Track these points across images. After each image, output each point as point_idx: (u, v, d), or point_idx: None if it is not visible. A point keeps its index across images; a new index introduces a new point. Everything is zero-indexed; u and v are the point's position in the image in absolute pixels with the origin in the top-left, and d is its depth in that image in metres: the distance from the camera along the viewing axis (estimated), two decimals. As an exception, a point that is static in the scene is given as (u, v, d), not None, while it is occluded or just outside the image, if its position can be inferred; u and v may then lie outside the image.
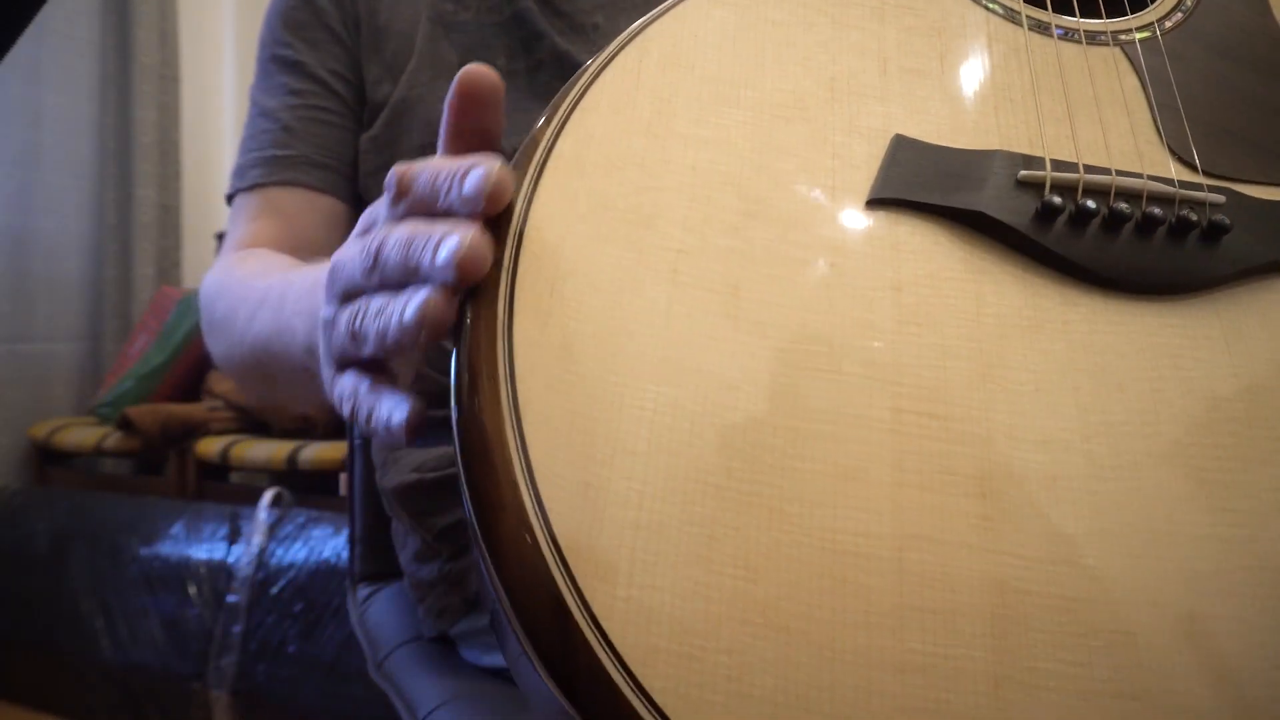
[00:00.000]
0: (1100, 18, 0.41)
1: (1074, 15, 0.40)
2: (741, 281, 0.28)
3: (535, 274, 0.28)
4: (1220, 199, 0.33)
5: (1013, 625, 0.24)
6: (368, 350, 0.30)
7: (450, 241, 0.27)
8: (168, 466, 1.99)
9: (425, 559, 0.60)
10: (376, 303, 0.29)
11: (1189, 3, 0.43)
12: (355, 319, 0.30)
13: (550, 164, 0.30)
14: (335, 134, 0.61)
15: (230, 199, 0.62)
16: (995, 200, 0.31)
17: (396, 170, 0.31)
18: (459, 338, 0.27)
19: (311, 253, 0.58)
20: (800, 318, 0.28)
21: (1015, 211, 0.31)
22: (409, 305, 0.27)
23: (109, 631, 1.50)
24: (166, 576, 1.49)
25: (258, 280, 0.49)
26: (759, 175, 0.31)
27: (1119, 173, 0.33)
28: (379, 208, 0.32)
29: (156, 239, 2.45)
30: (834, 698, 0.22)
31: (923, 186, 0.32)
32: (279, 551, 1.45)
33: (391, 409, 0.29)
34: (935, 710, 0.22)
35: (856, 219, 0.31)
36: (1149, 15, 0.41)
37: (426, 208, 0.30)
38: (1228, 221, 0.31)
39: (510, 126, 0.58)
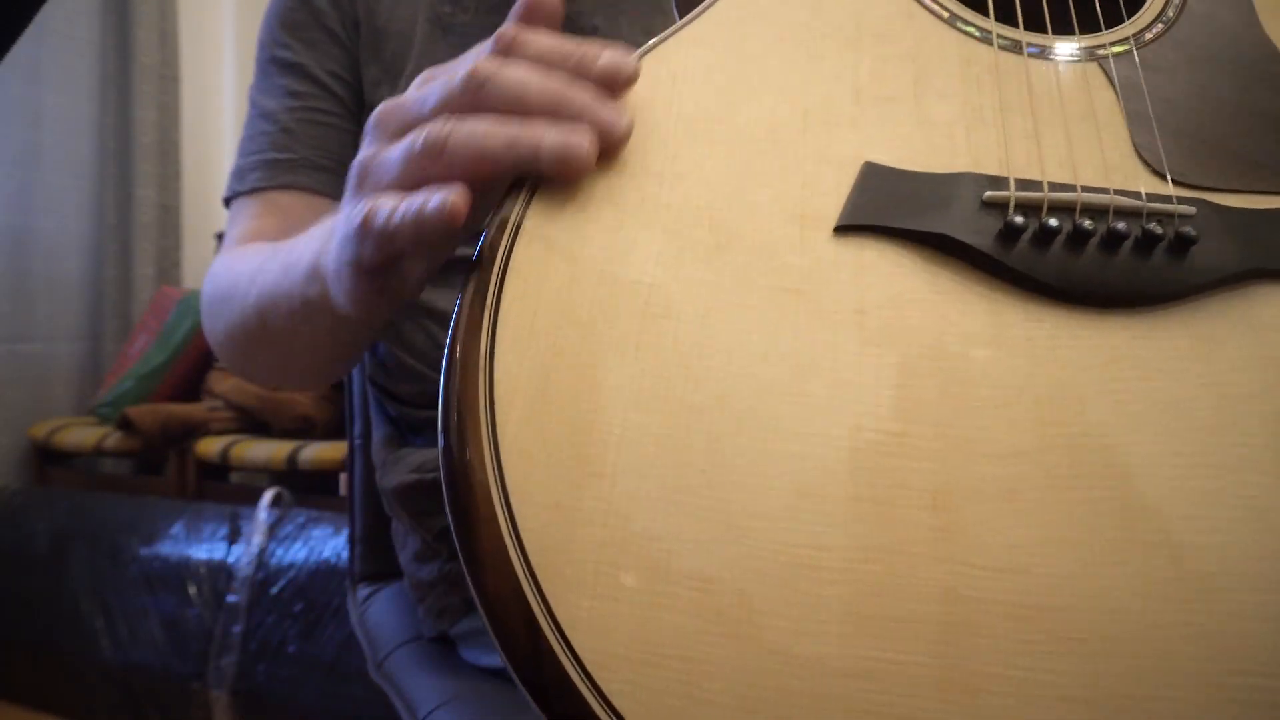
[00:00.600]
0: (1084, 31, 0.41)
1: (1048, 33, 0.40)
2: (709, 310, 0.30)
3: (518, 310, 0.30)
4: (1191, 210, 0.33)
5: (961, 631, 0.24)
6: (440, 165, 0.31)
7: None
8: (168, 466, 1.99)
9: (425, 559, 0.60)
10: (472, 124, 0.32)
11: (1171, 13, 0.43)
12: (429, 136, 0.32)
13: (534, 204, 0.32)
14: (335, 136, 0.60)
15: (228, 202, 0.62)
16: (959, 222, 0.32)
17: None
18: (447, 368, 0.29)
19: None
20: (765, 343, 0.29)
21: (979, 232, 0.32)
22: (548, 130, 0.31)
23: (109, 631, 1.50)
24: (166, 576, 1.49)
25: (265, 249, 0.50)
26: (730, 207, 0.33)
27: (1085, 189, 0.33)
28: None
29: (156, 239, 2.45)
30: (784, 701, 0.23)
31: (889, 211, 0.32)
32: (279, 551, 1.45)
33: (433, 195, 0.30)
34: (882, 713, 0.23)
35: (824, 245, 0.32)
36: (1127, 29, 0.42)
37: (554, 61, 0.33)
38: (1194, 233, 0.31)
39: None
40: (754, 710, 0.23)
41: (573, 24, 0.60)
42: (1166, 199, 0.33)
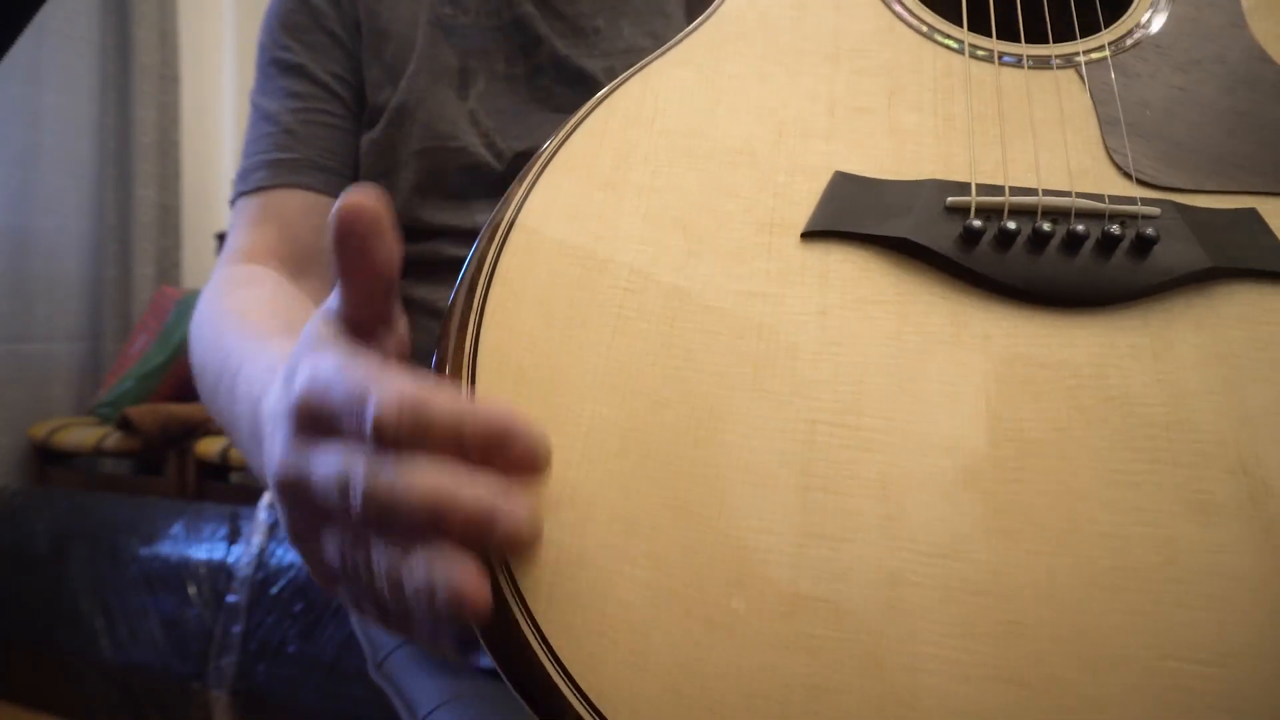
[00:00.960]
0: (1064, 39, 0.42)
1: (1024, 43, 0.42)
2: (678, 314, 0.32)
3: (500, 313, 0.32)
4: (1155, 211, 0.34)
5: (902, 613, 0.26)
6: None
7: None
8: (168, 466, 2.00)
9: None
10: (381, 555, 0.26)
11: (1154, 19, 0.43)
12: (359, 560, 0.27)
13: (520, 218, 0.34)
14: (337, 136, 0.61)
15: (234, 202, 0.62)
16: (922, 226, 0.33)
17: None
18: (435, 366, 0.31)
19: (309, 259, 0.59)
20: (730, 343, 0.31)
21: (941, 236, 0.33)
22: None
23: (109, 631, 1.50)
24: (166, 576, 1.49)
25: (229, 336, 0.48)
26: (705, 217, 0.34)
27: (1047, 192, 0.34)
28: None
29: (156, 239, 2.45)
30: (728, 673, 0.25)
31: (855, 217, 0.34)
32: (279, 551, 1.45)
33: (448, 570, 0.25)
34: (821, 686, 0.25)
35: (792, 251, 0.33)
36: (1107, 36, 0.42)
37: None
38: (1155, 234, 0.32)
39: (511, 130, 0.59)
40: (705, 683, 0.25)
41: (574, 26, 0.60)
42: (1131, 201, 0.34)
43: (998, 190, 0.34)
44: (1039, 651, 0.25)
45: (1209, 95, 0.39)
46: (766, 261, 0.33)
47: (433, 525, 0.25)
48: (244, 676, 1.40)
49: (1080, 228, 0.32)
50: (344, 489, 0.26)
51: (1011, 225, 0.33)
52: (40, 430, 2.11)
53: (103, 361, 2.38)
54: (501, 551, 0.27)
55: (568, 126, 0.38)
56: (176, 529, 1.54)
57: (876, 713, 0.24)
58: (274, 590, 1.42)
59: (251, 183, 0.60)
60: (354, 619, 0.71)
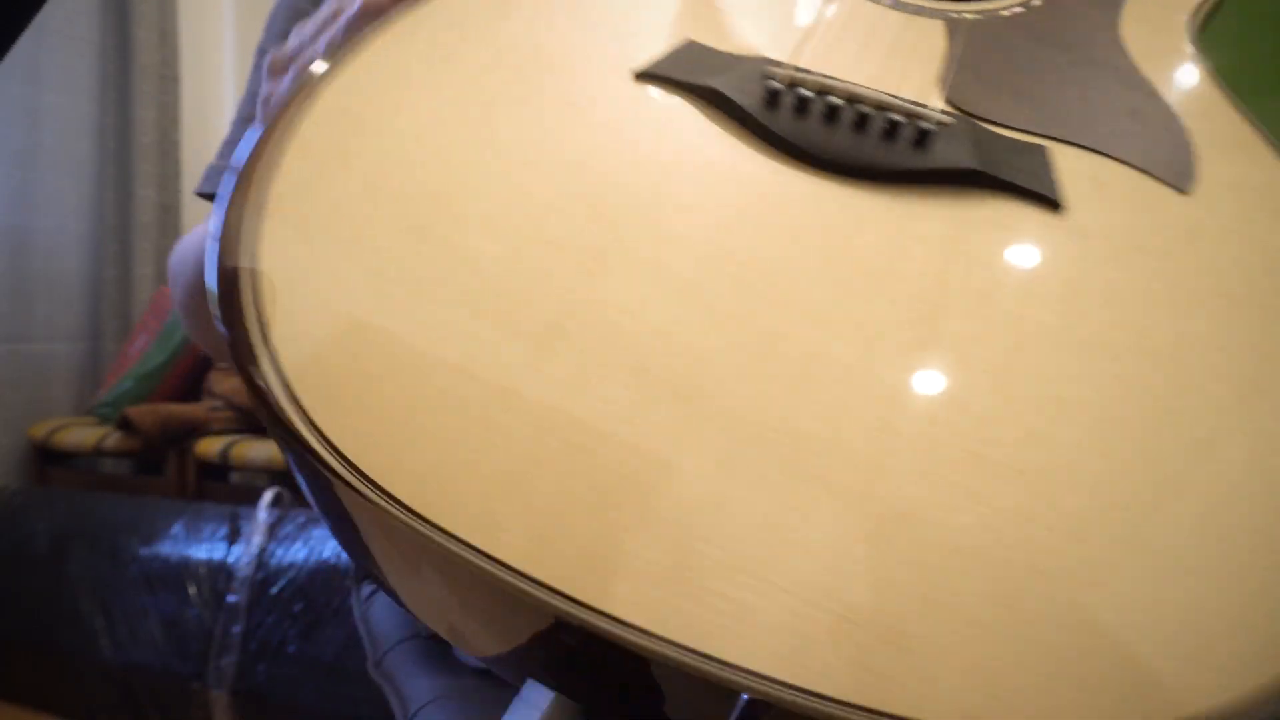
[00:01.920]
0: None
1: None
2: (500, 120, 0.34)
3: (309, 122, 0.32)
4: (948, 120, 0.36)
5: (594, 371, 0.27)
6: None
7: None
8: (168, 466, 2.00)
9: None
10: None
11: (1038, 2, 0.46)
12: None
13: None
14: None
15: (207, 196, 0.61)
16: (734, 84, 0.36)
17: None
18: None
19: None
20: (535, 136, 0.33)
21: (748, 94, 0.36)
22: None
23: (109, 631, 1.50)
24: (166, 576, 1.49)
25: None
26: (558, 50, 0.38)
27: (856, 84, 0.37)
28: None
29: (156, 239, 2.45)
30: (403, 331, 0.26)
31: (684, 71, 0.37)
32: (279, 551, 1.45)
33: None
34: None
35: (620, 85, 0.37)
36: (991, 4, 0.46)
37: None
38: (931, 127, 0.35)
39: None
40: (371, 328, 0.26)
41: None
42: (926, 105, 0.37)
43: (812, 72, 0.38)
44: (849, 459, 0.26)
45: (1054, 63, 0.42)
46: (597, 88, 0.36)
47: None
48: (244, 676, 1.40)
49: (872, 112, 0.35)
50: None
51: (809, 93, 0.36)
52: (40, 430, 2.11)
53: (103, 361, 2.38)
54: None
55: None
56: (176, 529, 1.54)
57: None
58: (274, 590, 1.42)
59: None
60: (356, 616, 0.71)
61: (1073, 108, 0.39)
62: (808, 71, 0.37)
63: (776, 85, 0.36)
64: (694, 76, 0.36)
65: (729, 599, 0.22)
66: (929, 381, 0.28)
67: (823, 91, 0.36)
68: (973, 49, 0.42)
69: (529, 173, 0.32)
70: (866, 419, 0.26)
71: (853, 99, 0.36)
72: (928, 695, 0.21)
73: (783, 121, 0.35)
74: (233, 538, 1.50)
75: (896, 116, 0.35)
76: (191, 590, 1.47)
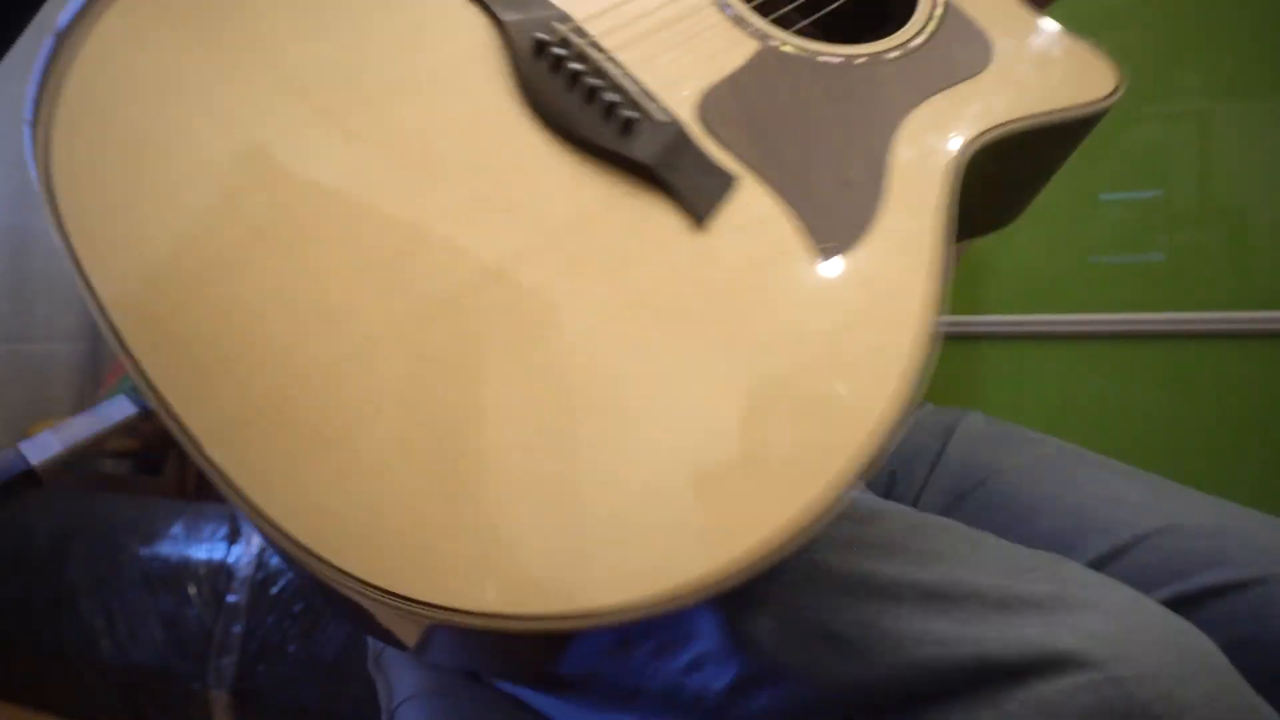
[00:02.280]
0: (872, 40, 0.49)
1: (766, 20, 0.48)
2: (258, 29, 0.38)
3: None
4: (666, 119, 0.39)
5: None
6: None
7: None
8: (168, 466, 1.99)
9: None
10: None
11: (862, 58, 0.47)
12: None
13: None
14: None
15: None
16: (519, 24, 0.40)
17: None
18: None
19: None
20: (287, 42, 0.38)
21: (524, 37, 0.40)
22: None
23: (109, 631, 1.50)
24: (166, 576, 1.49)
25: None
26: None
27: (614, 63, 0.40)
28: None
29: (156, 239, 2.45)
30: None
31: (499, 3, 0.41)
32: (279, 551, 1.45)
33: None
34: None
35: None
36: (839, 49, 0.47)
37: None
38: (634, 117, 0.38)
39: None
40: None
41: None
42: (656, 103, 0.40)
43: (587, 36, 0.41)
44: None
45: (817, 117, 0.44)
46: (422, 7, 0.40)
47: None
48: (244, 676, 1.40)
49: (605, 89, 0.39)
50: None
51: (562, 52, 0.39)
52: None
53: (103, 361, 2.37)
54: None
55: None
56: (176, 529, 1.54)
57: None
58: (274, 590, 1.42)
59: None
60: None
61: (795, 158, 0.41)
62: (584, 36, 0.41)
63: (547, 38, 0.39)
64: (499, 8, 0.41)
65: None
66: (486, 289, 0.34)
67: (580, 58, 0.40)
68: (754, 75, 0.44)
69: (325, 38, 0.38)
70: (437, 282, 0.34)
71: (599, 73, 0.39)
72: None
73: (536, 71, 0.39)
74: (232, 537, 1.49)
75: (618, 100, 0.38)
76: (191, 590, 1.47)
